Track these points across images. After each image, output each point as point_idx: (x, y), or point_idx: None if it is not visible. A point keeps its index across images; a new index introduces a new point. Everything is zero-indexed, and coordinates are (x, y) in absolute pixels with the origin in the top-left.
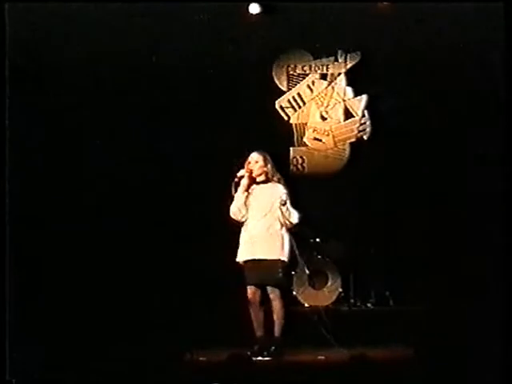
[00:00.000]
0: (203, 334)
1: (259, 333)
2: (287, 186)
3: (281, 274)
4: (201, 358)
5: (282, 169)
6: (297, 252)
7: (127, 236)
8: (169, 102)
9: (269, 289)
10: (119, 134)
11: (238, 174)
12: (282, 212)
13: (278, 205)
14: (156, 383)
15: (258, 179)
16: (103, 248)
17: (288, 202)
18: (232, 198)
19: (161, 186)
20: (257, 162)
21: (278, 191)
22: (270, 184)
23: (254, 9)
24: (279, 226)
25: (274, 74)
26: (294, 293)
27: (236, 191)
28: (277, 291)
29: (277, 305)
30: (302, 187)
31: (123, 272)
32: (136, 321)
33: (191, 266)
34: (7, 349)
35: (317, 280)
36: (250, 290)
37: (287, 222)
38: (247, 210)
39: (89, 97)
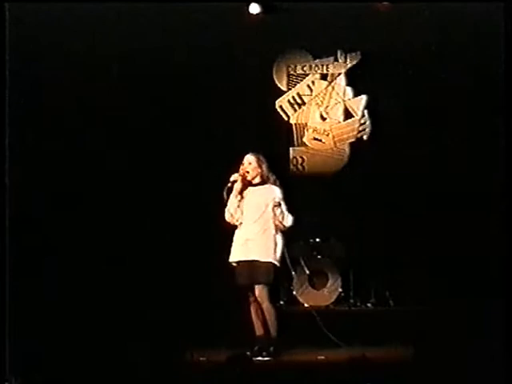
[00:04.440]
0: (203, 334)
1: (259, 332)
2: (284, 186)
3: (271, 276)
4: (201, 358)
5: (281, 169)
6: (286, 255)
7: (127, 236)
8: (168, 103)
9: (256, 291)
10: (119, 134)
11: (231, 179)
12: (275, 214)
13: (272, 206)
14: (156, 383)
15: (253, 181)
16: (103, 248)
17: (283, 204)
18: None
19: (161, 186)
20: (250, 163)
21: (272, 193)
22: (265, 186)
23: (254, 9)
24: (273, 228)
25: (274, 73)
26: (294, 293)
27: (228, 196)
28: (264, 292)
29: (266, 306)
30: (302, 187)
31: (123, 272)
32: (136, 321)
33: (191, 266)
34: (7, 349)
35: (317, 280)
36: (257, 289)
37: (280, 225)
38: (242, 212)
39: (89, 96)
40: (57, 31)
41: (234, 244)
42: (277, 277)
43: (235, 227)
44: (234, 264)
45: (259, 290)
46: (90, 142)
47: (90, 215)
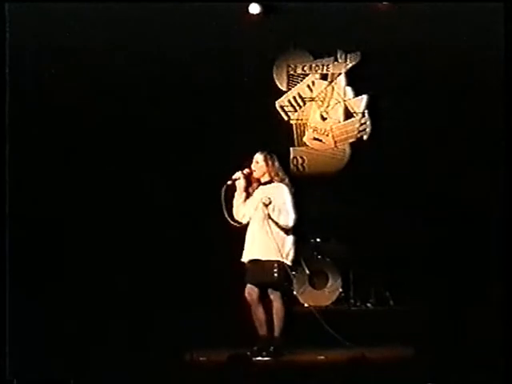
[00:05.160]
0: (203, 333)
1: (260, 332)
2: (294, 186)
3: (276, 275)
4: (201, 358)
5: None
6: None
7: (128, 237)
8: (168, 103)
9: (269, 289)
10: (119, 133)
11: (233, 177)
12: (267, 213)
13: (261, 206)
14: (156, 383)
15: (262, 180)
16: (104, 248)
17: (279, 203)
18: (227, 200)
19: (163, 186)
20: (257, 162)
21: (276, 191)
22: (272, 184)
23: (254, 9)
24: (276, 227)
25: (274, 73)
26: (295, 293)
27: (226, 194)
28: (277, 292)
29: (277, 306)
30: (302, 187)
31: (123, 272)
32: (136, 321)
33: (191, 266)
34: (7, 349)
35: (317, 280)
36: (248, 288)
37: (280, 225)
38: (249, 211)
39: (89, 96)
40: (57, 31)
41: (245, 244)
42: (284, 274)
43: (236, 227)
44: (245, 263)
45: (272, 290)
46: (90, 142)
47: (91, 214)
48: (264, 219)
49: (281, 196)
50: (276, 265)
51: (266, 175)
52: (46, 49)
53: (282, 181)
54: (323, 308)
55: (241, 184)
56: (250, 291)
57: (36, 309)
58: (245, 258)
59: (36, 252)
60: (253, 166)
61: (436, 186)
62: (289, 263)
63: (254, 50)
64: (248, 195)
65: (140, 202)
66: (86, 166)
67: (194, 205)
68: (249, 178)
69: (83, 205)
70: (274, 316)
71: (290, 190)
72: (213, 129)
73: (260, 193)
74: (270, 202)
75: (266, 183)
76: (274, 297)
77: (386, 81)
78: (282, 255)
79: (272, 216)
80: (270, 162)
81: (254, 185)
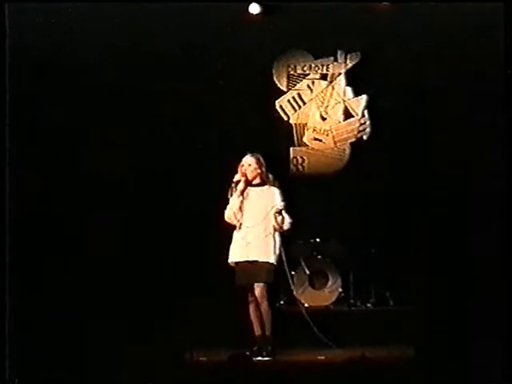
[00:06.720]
0: (203, 334)
1: (258, 332)
2: (284, 186)
3: (271, 276)
4: (201, 358)
5: (282, 169)
6: (284, 258)
7: (127, 237)
8: (168, 103)
9: (256, 290)
10: (119, 133)
11: (234, 179)
12: (275, 219)
13: (274, 212)
14: (156, 383)
15: (253, 182)
16: (104, 248)
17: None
18: (227, 201)
19: (159, 187)
20: (250, 164)
21: (275, 198)
22: (265, 187)
23: (254, 9)
24: (272, 229)
25: (274, 73)
26: (294, 293)
27: (231, 195)
28: (264, 292)
29: (264, 305)
30: (302, 187)
31: (123, 272)
32: (136, 321)
33: (191, 266)
34: (7, 349)
35: (317, 280)
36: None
37: (280, 229)
38: (242, 213)
39: (90, 95)
40: (57, 30)
41: (233, 245)
42: (276, 276)
43: (235, 227)
44: (233, 264)
45: (259, 290)
46: (90, 141)
47: (91, 215)
48: (269, 224)
49: (277, 200)
50: (270, 266)
51: (258, 178)
52: (46, 48)
53: (273, 183)
54: (323, 308)
55: (241, 186)
56: (261, 291)
57: (36, 309)
58: (235, 259)
59: (36, 252)
60: (245, 170)
61: (436, 185)
62: (276, 264)
63: (254, 50)
64: (243, 198)
65: (140, 203)
66: (85, 166)
67: (194, 205)
68: (245, 182)
69: (83, 205)
70: (264, 316)
71: (282, 194)
72: (212, 129)
73: (253, 195)
74: (281, 212)
75: (256, 185)
76: (262, 298)
77: (386, 81)
78: (275, 256)
79: (273, 220)
80: (261, 165)
81: (247, 187)
